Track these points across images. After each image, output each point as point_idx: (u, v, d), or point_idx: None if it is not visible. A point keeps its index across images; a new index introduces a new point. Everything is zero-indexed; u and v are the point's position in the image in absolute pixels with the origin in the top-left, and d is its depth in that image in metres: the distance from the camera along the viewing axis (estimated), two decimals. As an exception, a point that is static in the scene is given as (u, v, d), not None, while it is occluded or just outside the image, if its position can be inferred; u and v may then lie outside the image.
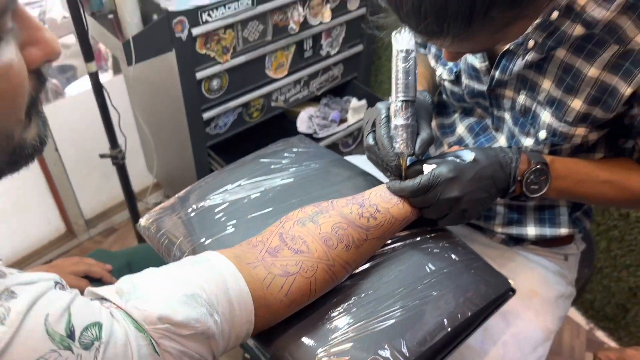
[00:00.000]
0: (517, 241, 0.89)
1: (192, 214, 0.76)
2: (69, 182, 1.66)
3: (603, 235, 1.48)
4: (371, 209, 0.67)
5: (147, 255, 1.01)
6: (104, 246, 1.77)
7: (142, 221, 0.78)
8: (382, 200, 0.69)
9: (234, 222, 0.73)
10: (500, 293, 0.69)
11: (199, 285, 0.50)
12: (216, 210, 0.76)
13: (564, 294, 0.88)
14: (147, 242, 0.80)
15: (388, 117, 0.71)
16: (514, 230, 0.87)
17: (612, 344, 1.60)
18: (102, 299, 0.48)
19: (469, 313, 0.65)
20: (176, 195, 0.81)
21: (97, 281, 0.91)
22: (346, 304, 0.63)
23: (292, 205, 0.75)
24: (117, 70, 1.70)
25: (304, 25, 1.47)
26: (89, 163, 1.67)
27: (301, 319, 0.62)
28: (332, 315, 0.62)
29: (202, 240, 0.71)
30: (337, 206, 0.66)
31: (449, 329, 0.63)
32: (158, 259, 0.74)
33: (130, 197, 1.40)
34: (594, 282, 1.56)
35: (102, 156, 1.30)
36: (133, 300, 0.47)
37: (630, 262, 1.45)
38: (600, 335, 1.62)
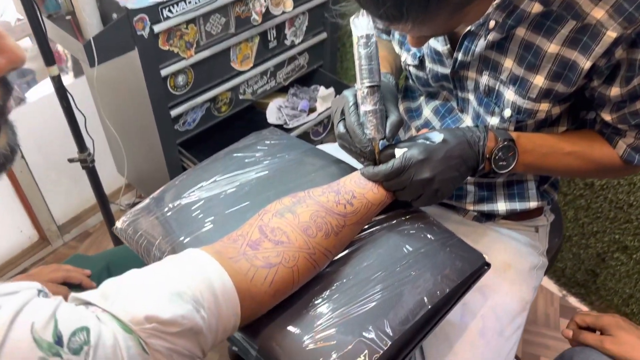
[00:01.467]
0: (489, 217, 0.92)
1: (169, 213, 0.76)
2: (37, 188, 1.62)
3: (570, 205, 1.53)
4: (347, 196, 0.68)
5: (125, 256, 1.00)
6: (80, 251, 1.75)
7: (119, 224, 0.78)
8: (358, 187, 0.70)
9: (211, 218, 0.74)
10: (476, 268, 0.72)
11: (184, 283, 0.51)
12: (193, 207, 0.76)
13: (537, 265, 0.91)
14: (124, 244, 0.80)
15: (356, 104, 0.72)
16: (485, 207, 0.90)
17: (585, 308, 1.66)
18: (87, 303, 0.48)
19: (447, 289, 0.67)
20: (151, 196, 0.81)
21: (77, 287, 0.91)
22: (329, 290, 0.65)
23: (269, 198, 0.76)
24: (78, 72, 1.67)
25: (267, 15, 1.46)
26: (57, 168, 1.64)
27: (286, 308, 0.63)
28: (316, 302, 0.64)
29: (181, 238, 0.71)
30: (313, 195, 0.67)
31: (429, 307, 0.65)
32: (137, 260, 0.74)
33: (103, 200, 1.38)
34: (564, 251, 1.62)
35: (70, 160, 1.27)
36: (119, 302, 0.47)
37: (597, 229, 1.50)
38: (573, 301, 1.68)
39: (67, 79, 1.67)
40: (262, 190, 0.78)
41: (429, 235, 0.73)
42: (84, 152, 1.27)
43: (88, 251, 1.75)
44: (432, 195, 0.70)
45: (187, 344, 0.49)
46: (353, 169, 0.83)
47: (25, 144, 1.53)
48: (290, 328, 0.61)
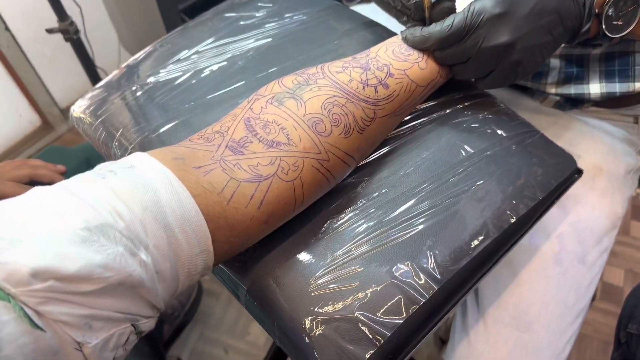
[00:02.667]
0: (575, 103, 0.68)
1: (138, 94, 0.56)
2: (30, 65, 1.43)
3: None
4: (380, 73, 0.45)
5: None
6: (88, 137, 1.60)
7: (75, 108, 0.58)
8: (396, 59, 0.47)
9: (191, 104, 0.53)
10: (564, 177, 0.50)
11: (113, 210, 0.32)
12: (165, 88, 0.55)
13: (634, 167, 0.68)
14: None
15: None
16: (572, 89, 0.65)
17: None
18: None
19: (523, 209, 0.46)
20: (113, 73, 0.60)
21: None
22: (350, 210, 0.45)
23: (270, 77, 0.54)
24: None
25: None
26: (51, 43, 1.42)
27: (288, 234, 0.44)
28: (333, 226, 0.44)
29: (146, 133, 0.51)
30: (329, 73, 0.45)
31: (495, 234, 0.45)
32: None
33: (94, 79, 1.18)
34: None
35: (49, 31, 1.06)
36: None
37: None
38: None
39: None
40: (261, 66, 0.56)
41: (498, 131, 0.51)
42: (64, 20, 1.05)
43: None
44: (510, 70, 0.47)
45: (119, 304, 0.31)
46: (392, 34, 0.59)
47: (7, 13, 1.31)
48: (294, 261, 0.43)
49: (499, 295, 0.60)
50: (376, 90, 0.44)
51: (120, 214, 0.32)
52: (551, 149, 0.51)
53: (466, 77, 0.49)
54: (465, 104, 0.52)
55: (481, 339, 0.59)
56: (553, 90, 0.65)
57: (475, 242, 0.44)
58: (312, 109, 0.41)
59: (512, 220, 0.46)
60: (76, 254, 0.29)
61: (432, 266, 0.42)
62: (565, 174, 0.50)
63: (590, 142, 0.66)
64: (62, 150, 0.82)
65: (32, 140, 1.55)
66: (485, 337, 0.59)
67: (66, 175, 0.77)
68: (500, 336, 0.58)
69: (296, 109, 0.41)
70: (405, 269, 0.42)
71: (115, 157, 0.53)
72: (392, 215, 0.44)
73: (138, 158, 0.36)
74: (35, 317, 0.28)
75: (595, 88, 0.64)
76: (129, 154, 0.52)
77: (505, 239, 0.46)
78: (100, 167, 0.36)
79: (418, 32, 0.47)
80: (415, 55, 0.48)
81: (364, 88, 0.44)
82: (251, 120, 0.41)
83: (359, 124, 0.43)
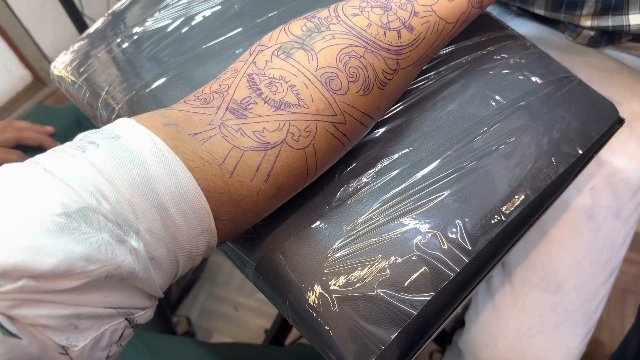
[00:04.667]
0: (611, 37, 0.61)
1: (125, 45, 0.49)
2: (16, 18, 1.35)
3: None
4: (403, 13, 0.39)
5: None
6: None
7: (56, 66, 0.52)
8: (420, -7, 0.41)
9: (183, 56, 0.47)
10: (606, 129, 0.45)
11: (95, 190, 0.27)
12: (155, 37, 0.49)
13: (675, 112, 0.62)
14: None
15: None
16: (610, 21, 0.58)
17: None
18: None
19: (562, 168, 0.41)
20: (107, 14, 0.54)
21: (36, 150, 0.69)
22: (367, 174, 0.40)
23: (270, 22, 0.48)
24: None
25: None
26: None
27: (297, 204, 0.39)
28: (348, 193, 0.39)
29: (135, 91, 0.46)
30: (344, 16, 0.38)
31: (531, 198, 0.40)
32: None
33: (83, 30, 1.10)
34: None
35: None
36: None
37: None
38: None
39: None
40: (260, 9, 0.49)
41: (532, 78, 0.45)
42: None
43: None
44: None
45: (108, 298, 0.27)
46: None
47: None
48: (305, 235, 0.38)
49: (526, 255, 0.56)
50: (399, 35, 0.38)
51: (105, 194, 0.27)
52: (591, 97, 0.45)
53: None
54: (492, 47, 0.46)
55: (507, 302, 0.55)
56: (588, 23, 0.58)
57: (509, 207, 0.39)
58: (326, 61, 0.35)
59: (550, 181, 0.41)
60: (52, 246, 0.24)
61: (461, 236, 0.37)
62: (607, 124, 0.44)
63: (627, 85, 0.60)
64: (50, 110, 0.77)
65: (24, 97, 1.48)
66: (512, 300, 0.55)
67: (55, 136, 0.72)
68: (528, 299, 0.55)
69: (307, 62, 0.35)
70: (432, 239, 0.37)
71: (101, 120, 0.48)
72: (414, 179, 0.39)
73: (124, 125, 0.31)
74: (7, 323, 0.23)
75: (636, 19, 0.57)
76: (116, 115, 0.46)
77: (541, 201, 0.41)
78: (81, 138, 0.31)
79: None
80: (442, -12, 0.41)
81: (385, 33, 0.38)
82: (255, 76, 0.35)
83: (380, 78, 0.37)
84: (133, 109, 0.45)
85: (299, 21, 0.38)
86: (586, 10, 0.57)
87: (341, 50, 0.36)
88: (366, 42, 0.37)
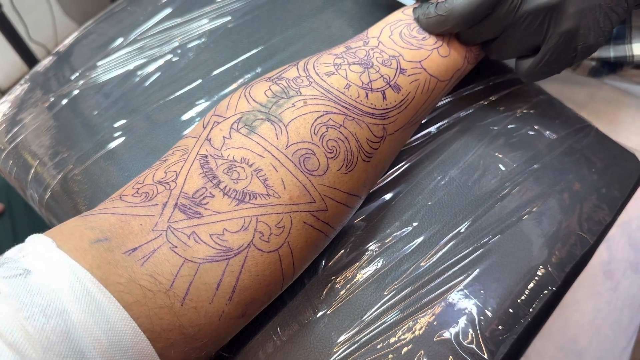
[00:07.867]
0: (613, 67, 0.55)
1: (64, 103, 0.41)
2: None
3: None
4: (387, 70, 0.32)
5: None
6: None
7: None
8: (407, 45, 0.34)
9: (124, 121, 0.39)
10: (631, 187, 0.38)
11: None
12: (97, 97, 0.41)
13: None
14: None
15: None
16: (611, 52, 0.52)
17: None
18: None
19: (589, 241, 0.35)
20: (32, 70, 0.45)
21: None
22: (359, 265, 0.33)
23: (232, 73, 0.40)
24: None
25: None
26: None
27: (272, 312, 0.32)
28: (335, 290, 0.32)
29: (71, 166, 0.37)
30: (317, 75, 0.31)
31: (558, 282, 0.33)
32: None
33: (29, 59, 1.00)
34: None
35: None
36: None
37: None
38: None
39: None
40: (219, 57, 0.41)
41: (545, 132, 0.38)
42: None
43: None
44: (563, 46, 0.33)
45: None
46: (398, 5, 0.45)
47: None
48: (287, 348, 0.31)
49: (538, 320, 0.49)
50: (384, 96, 0.31)
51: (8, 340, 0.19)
52: (610, 150, 0.39)
53: (503, 57, 0.36)
54: (494, 96, 0.39)
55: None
56: (590, 54, 0.52)
57: (532, 295, 0.32)
58: (298, 135, 0.28)
59: (578, 258, 0.34)
60: None
61: (477, 340, 0.30)
62: (632, 182, 0.38)
63: (637, 119, 0.54)
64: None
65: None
66: (525, 374, 0.49)
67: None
68: (543, 373, 0.48)
69: (274, 138, 0.28)
70: (442, 350, 0.30)
71: (33, 201, 0.39)
72: (418, 271, 0.32)
73: (36, 254, 0.23)
74: None
75: (639, 48, 0.52)
76: (50, 194, 0.38)
77: (568, 281, 0.34)
78: None
79: (433, 10, 0.33)
80: (432, 37, 0.34)
81: (367, 95, 0.31)
82: (210, 159, 0.27)
83: (365, 149, 0.30)
84: (67, 188, 0.37)
85: (261, 83, 0.31)
86: (587, 40, 0.51)
87: (316, 119, 0.29)
88: (345, 108, 0.30)
